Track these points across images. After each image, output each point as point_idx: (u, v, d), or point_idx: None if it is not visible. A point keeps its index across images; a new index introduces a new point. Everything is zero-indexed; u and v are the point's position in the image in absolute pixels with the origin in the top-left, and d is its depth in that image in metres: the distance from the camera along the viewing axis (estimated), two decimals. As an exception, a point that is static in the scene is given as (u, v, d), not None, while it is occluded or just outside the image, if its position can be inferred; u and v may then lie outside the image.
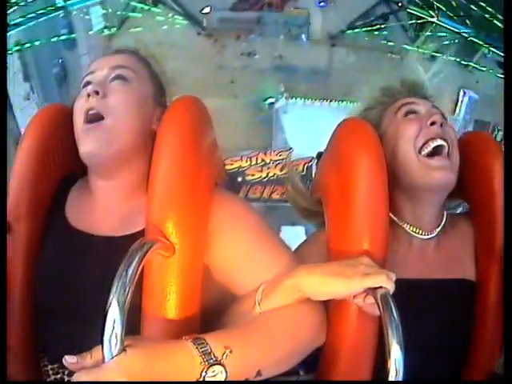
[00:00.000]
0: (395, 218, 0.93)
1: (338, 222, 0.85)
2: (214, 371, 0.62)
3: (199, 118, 0.83)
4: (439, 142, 0.89)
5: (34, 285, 0.84)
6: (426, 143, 0.90)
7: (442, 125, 0.91)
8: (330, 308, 0.80)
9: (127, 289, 0.61)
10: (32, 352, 0.84)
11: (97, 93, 0.84)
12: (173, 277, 0.74)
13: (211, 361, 0.63)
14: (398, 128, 0.94)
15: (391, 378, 0.64)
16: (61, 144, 0.90)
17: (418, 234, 0.93)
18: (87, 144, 0.83)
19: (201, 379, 0.62)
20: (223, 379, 0.63)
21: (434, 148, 0.90)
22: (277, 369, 0.73)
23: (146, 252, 0.66)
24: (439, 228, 0.94)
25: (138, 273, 0.64)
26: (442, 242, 0.95)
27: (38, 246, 0.86)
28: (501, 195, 0.88)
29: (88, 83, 0.87)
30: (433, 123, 0.90)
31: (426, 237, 0.94)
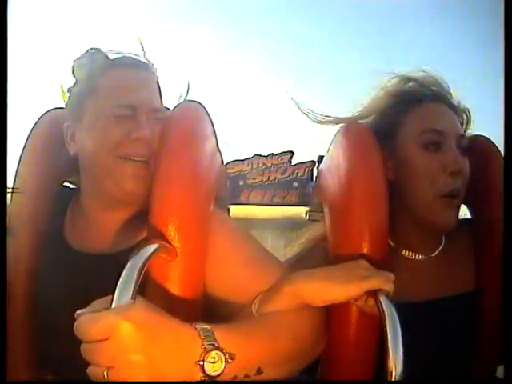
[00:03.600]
0: (392, 244, 0.93)
1: (337, 226, 0.86)
2: (213, 357, 0.60)
3: (200, 123, 0.84)
4: (452, 199, 0.89)
5: (35, 299, 0.84)
6: (439, 190, 0.88)
7: (459, 172, 0.89)
8: (330, 309, 0.81)
9: (130, 292, 0.62)
10: (31, 365, 0.84)
11: (146, 140, 0.83)
12: (175, 280, 0.75)
13: (212, 346, 0.61)
14: (415, 160, 0.90)
15: (391, 378, 0.65)
16: (59, 150, 0.91)
17: (416, 256, 0.95)
18: (126, 182, 0.83)
19: (199, 363, 0.60)
20: (222, 368, 0.61)
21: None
22: (277, 370, 0.71)
23: (149, 256, 0.67)
24: (438, 250, 0.96)
25: (141, 276, 0.64)
26: (441, 259, 0.95)
27: (40, 253, 0.87)
28: (501, 198, 0.88)
29: (128, 118, 0.84)
30: (452, 173, 0.88)
31: (425, 257, 0.95)
